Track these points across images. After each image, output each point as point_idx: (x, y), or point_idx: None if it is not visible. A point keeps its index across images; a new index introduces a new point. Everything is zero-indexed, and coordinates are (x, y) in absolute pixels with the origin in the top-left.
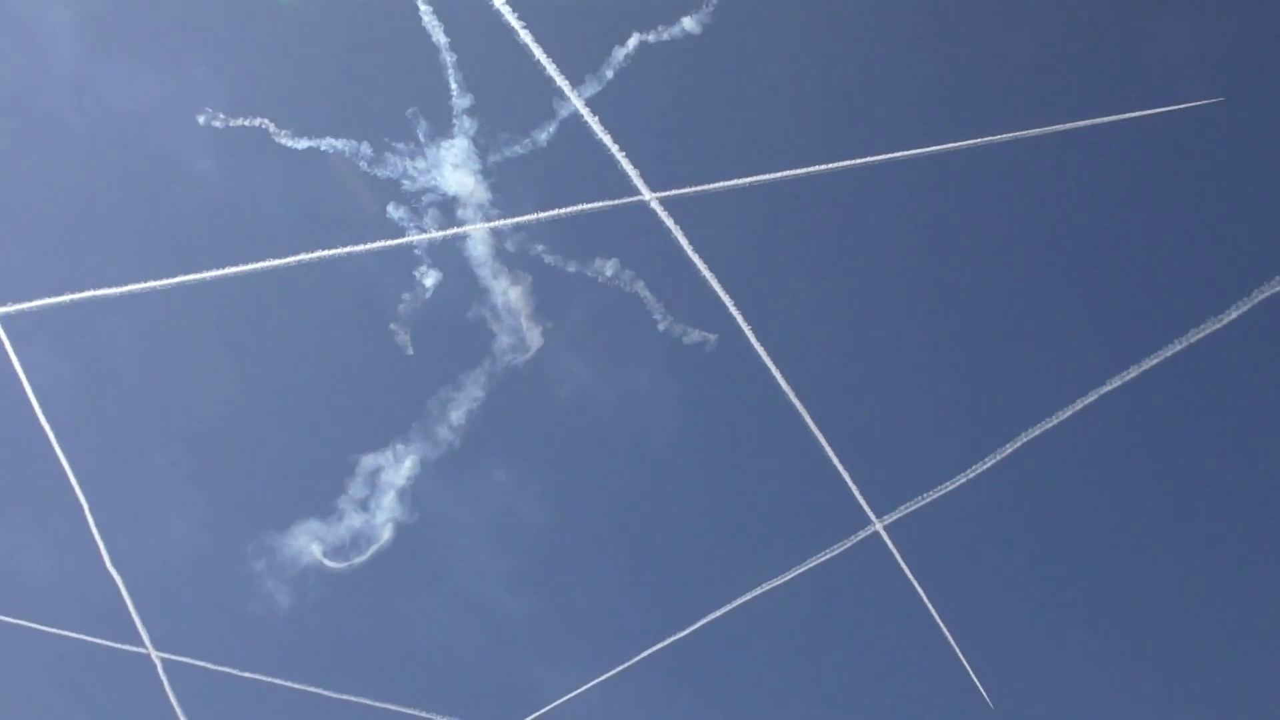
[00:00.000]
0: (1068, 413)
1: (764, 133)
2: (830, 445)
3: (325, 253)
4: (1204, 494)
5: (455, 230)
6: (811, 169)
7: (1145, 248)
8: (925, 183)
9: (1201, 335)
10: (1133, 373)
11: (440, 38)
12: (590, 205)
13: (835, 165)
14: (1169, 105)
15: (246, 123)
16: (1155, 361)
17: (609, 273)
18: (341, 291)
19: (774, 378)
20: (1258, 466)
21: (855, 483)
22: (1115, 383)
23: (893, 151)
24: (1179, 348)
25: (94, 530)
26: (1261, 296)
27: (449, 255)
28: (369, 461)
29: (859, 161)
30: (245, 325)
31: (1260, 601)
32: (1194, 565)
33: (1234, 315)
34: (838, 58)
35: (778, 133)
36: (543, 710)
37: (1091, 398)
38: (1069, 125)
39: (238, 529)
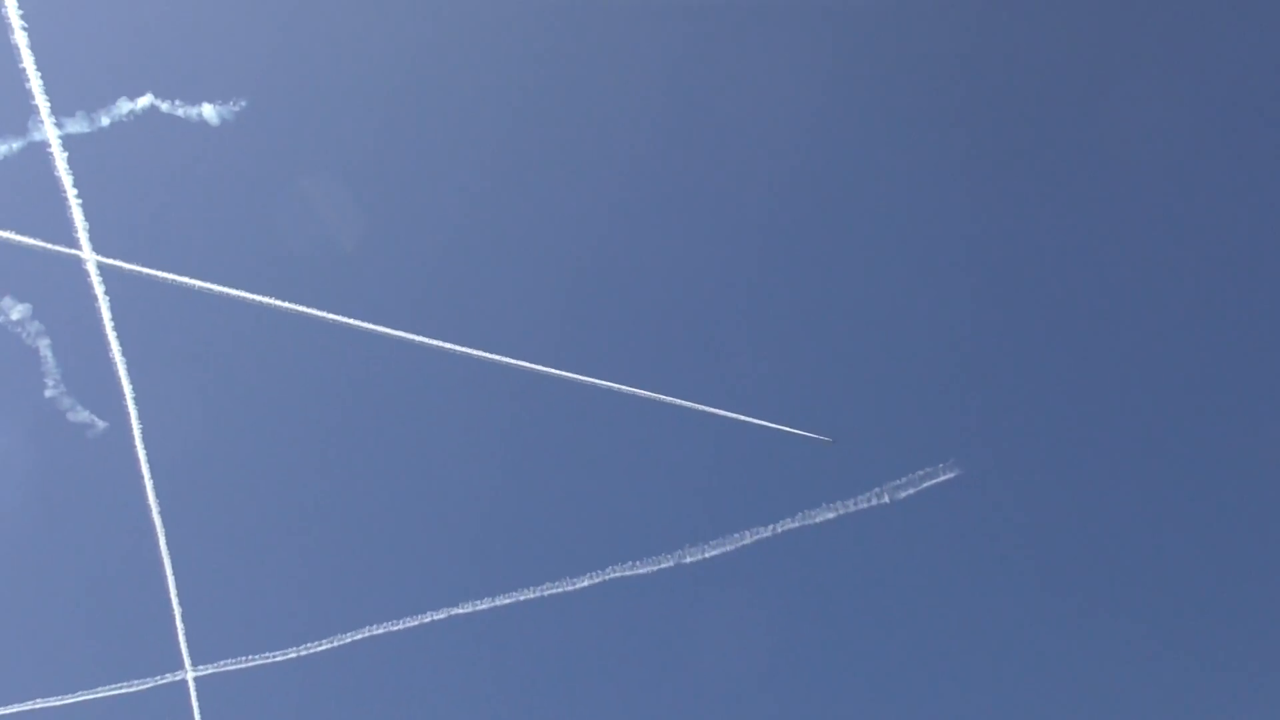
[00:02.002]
0: (415, 621)
1: (232, 245)
2: (175, 579)
3: None
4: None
5: None
6: (263, 298)
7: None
8: (363, 358)
9: (550, 592)
10: (485, 604)
11: None
12: (16, 237)
13: (287, 305)
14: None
15: None
16: (507, 601)
17: (15, 316)
18: None
19: (145, 491)
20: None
21: (184, 624)
22: (467, 608)
23: (352, 318)
24: (528, 596)
25: None
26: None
27: None
28: None
29: (309, 311)
30: None
31: None
32: None
33: (584, 583)
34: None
35: (247, 250)
36: None
37: (441, 614)
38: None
39: None
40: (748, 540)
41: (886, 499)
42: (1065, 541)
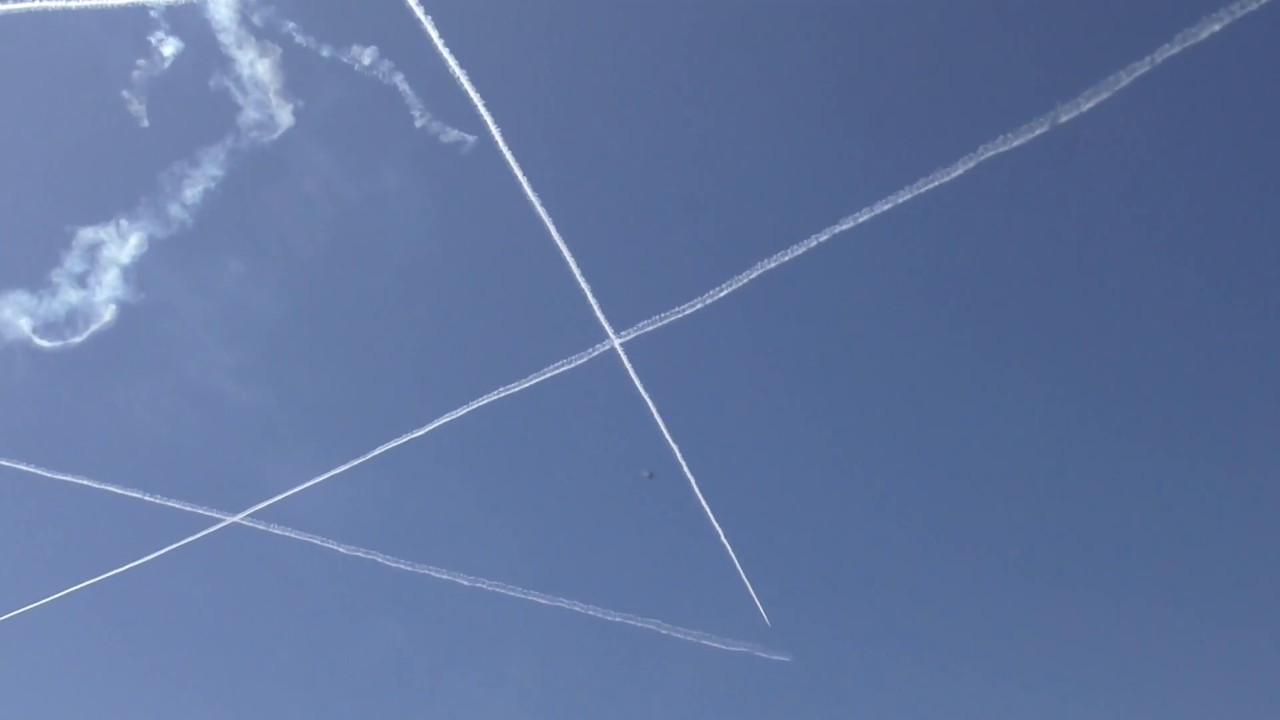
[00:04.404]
0: (802, 248)
1: None
2: (574, 259)
3: (39, 3)
4: (932, 336)
5: None
6: None
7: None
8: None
9: (931, 186)
10: (865, 215)
11: None
12: None
13: None
14: None
15: None
16: (888, 206)
17: (366, 61)
18: (65, 51)
19: (524, 189)
20: (982, 311)
21: (595, 298)
22: (848, 223)
23: None
24: (908, 196)
25: None
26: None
27: (188, 21)
28: (88, 235)
29: None
30: None
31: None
32: (917, 405)
33: (959, 170)
34: None
35: None
36: (271, 500)
37: (825, 235)
38: None
39: None
40: (1124, 81)
41: None
42: None
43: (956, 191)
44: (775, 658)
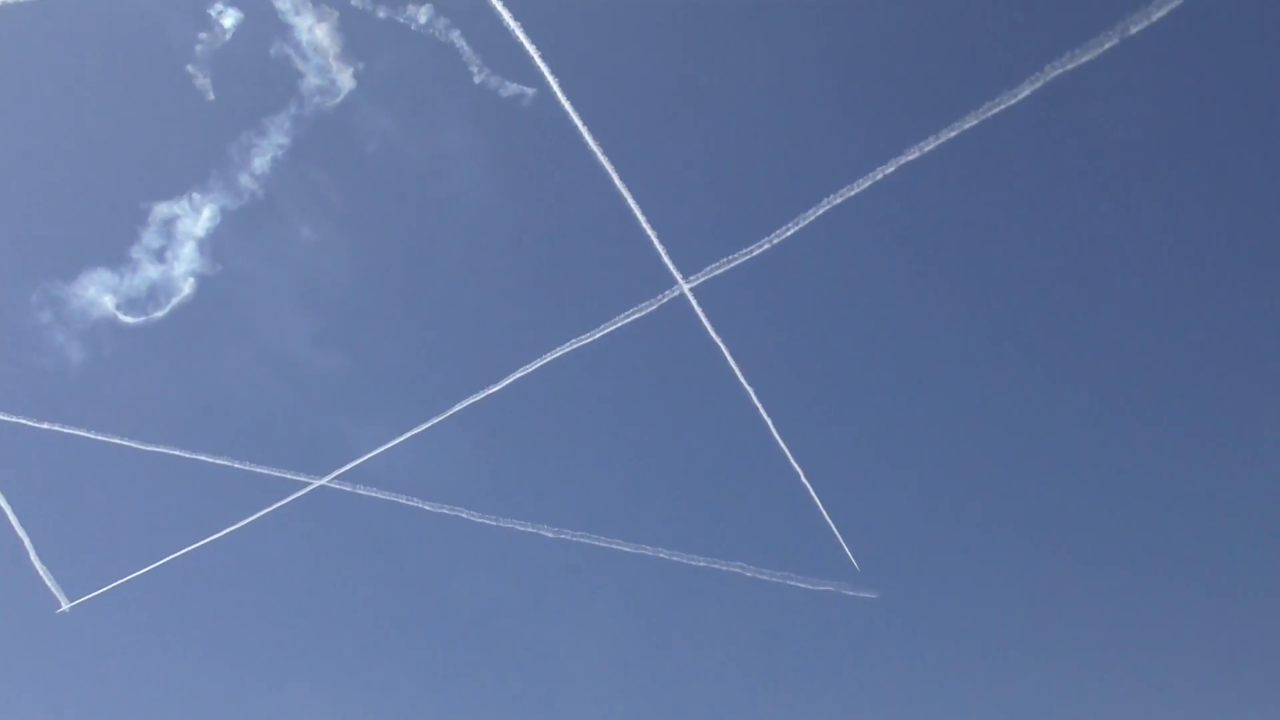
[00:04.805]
0: (869, 181)
1: None
2: (638, 205)
3: None
4: (1004, 265)
5: None
6: None
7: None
8: None
9: (997, 110)
10: (931, 144)
11: None
12: None
13: None
14: None
15: None
16: (954, 134)
17: (422, 20)
18: (131, 30)
19: (585, 139)
20: (1053, 237)
21: (662, 243)
22: (914, 153)
23: None
24: (974, 122)
25: None
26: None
27: None
28: (163, 210)
29: None
30: (22, 54)
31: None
32: (995, 337)
33: (1025, 92)
34: None
35: None
36: (355, 462)
37: (890, 168)
38: None
39: (18, 278)
40: None
41: None
42: None
43: (1025, 114)
44: (862, 595)
